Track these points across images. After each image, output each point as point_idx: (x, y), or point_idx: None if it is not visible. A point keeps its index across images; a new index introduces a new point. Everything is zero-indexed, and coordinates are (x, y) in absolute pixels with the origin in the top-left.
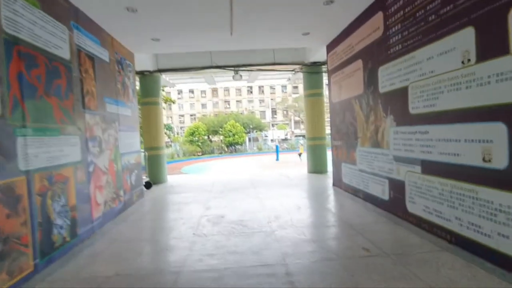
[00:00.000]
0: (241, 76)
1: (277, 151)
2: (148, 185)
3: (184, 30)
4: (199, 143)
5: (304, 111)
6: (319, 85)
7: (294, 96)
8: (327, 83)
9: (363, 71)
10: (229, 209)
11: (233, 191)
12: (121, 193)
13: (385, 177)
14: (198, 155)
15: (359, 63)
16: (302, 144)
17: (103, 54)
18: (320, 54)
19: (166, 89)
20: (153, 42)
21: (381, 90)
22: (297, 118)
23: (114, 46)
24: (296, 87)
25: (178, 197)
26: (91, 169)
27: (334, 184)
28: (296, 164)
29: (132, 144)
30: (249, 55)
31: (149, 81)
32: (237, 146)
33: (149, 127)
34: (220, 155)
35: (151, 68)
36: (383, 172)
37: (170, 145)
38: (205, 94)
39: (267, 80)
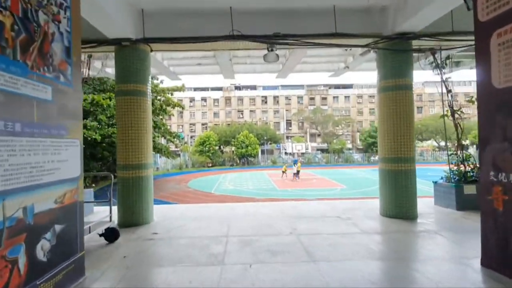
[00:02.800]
0: (277, 56)
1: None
2: (111, 235)
3: None
4: (210, 154)
5: (377, 115)
6: (406, 70)
7: (310, 107)
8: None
9: None
10: None
11: (269, 264)
12: None
13: None
14: (208, 167)
15: None
16: (298, 161)
17: None
18: (416, 19)
19: (176, 94)
20: None
21: None
22: (313, 131)
23: None
24: (312, 99)
25: (152, 279)
26: None
27: (487, 265)
28: (321, 183)
29: (50, 166)
30: (292, 20)
31: (130, 56)
32: (249, 159)
33: (127, 131)
34: (231, 167)
35: (133, 35)
36: None
37: (179, 155)
38: (217, 102)
39: (286, 90)
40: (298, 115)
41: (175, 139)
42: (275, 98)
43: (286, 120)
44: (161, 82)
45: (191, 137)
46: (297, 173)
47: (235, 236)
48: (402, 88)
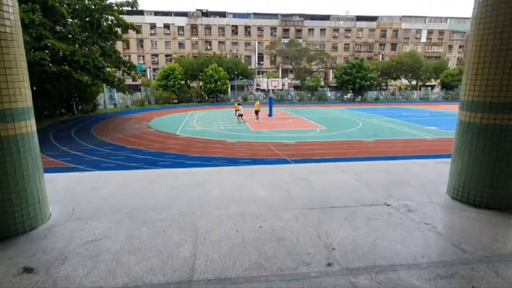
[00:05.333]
0: None
1: (270, 105)
2: None
3: None
4: (175, 89)
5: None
6: None
7: (284, 40)
8: None
9: None
10: None
11: None
12: None
13: None
14: (174, 103)
15: None
16: (258, 99)
17: None
18: None
19: (134, 19)
20: None
21: None
22: (286, 66)
23: None
24: (287, 30)
25: None
26: None
27: None
28: (298, 123)
29: None
30: None
31: None
32: (219, 95)
33: None
34: (199, 104)
35: None
36: None
37: (140, 90)
38: (182, 31)
39: (258, 20)
40: (271, 48)
41: (132, 71)
42: (247, 28)
43: (258, 53)
44: None
45: (154, 69)
46: (256, 113)
47: (212, 279)
48: None
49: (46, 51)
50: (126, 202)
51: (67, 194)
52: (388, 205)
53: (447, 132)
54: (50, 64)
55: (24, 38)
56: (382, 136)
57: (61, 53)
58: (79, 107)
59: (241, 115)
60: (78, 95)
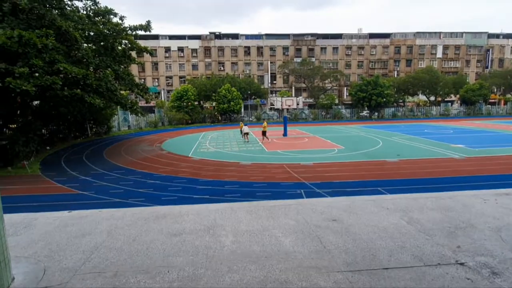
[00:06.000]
0: None
1: (285, 124)
2: None
3: None
4: (188, 110)
5: None
6: None
7: (296, 60)
8: None
9: None
10: None
11: None
12: None
13: None
14: (187, 124)
15: None
16: (265, 119)
17: None
18: None
19: (149, 43)
20: None
21: None
22: (299, 85)
23: None
24: (299, 50)
25: None
26: None
27: None
28: (314, 143)
29: None
30: None
31: None
32: (232, 115)
33: None
34: (212, 124)
35: None
36: None
37: (153, 111)
38: (196, 53)
39: (270, 40)
40: (284, 67)
41: (145, 93)
42: (259, 49)
43: (271, 73)
44: (122, 19)
45: (168, 91)
46: (264, 134)
47: None
48: None
49: (61, 75)
50: (112, 259)
51: (43, 245)
52: (461, 264)
53: (476, 150)
54: (65, 87)
55: (37, 62)
56: (405, 155)
57: (74, 77)
58: (93, 130)
59: (247, 134)
60: (93, 118)
